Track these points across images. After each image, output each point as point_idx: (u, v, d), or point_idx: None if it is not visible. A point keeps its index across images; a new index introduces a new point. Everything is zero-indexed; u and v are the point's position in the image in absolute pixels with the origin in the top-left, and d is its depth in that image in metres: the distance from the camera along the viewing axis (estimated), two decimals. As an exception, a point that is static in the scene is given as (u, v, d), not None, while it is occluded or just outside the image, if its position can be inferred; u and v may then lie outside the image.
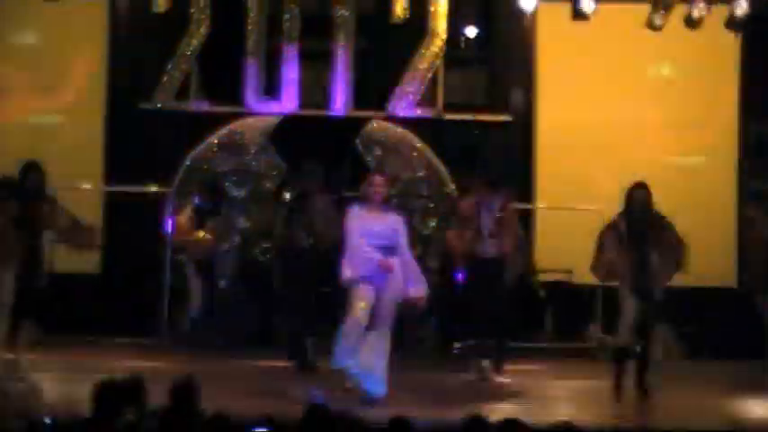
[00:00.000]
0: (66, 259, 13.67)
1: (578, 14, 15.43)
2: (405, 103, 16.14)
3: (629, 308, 12.10)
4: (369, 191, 11.39)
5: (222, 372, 12.54)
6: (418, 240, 15.73)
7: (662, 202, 15.64)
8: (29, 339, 12.05)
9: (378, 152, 16.18)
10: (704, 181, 16.19)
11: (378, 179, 11.58)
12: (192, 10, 15.83)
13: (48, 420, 7.76)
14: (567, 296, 16.09)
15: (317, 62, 16.58)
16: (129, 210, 15.81)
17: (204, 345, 14.50)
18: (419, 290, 11.28)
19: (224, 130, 16.14)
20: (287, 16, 16.07)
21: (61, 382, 11.87)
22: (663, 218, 12.69)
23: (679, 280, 15.25)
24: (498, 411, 9.35)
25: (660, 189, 15.70)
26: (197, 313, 15.21)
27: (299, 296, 13.41)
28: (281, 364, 13.46)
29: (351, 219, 11.24)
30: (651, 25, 15.51)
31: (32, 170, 12.02)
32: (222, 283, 15.33)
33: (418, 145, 16.26)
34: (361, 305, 10.94)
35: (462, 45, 17.00)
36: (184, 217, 15.26)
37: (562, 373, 14.15)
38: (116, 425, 7.34)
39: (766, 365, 14.62)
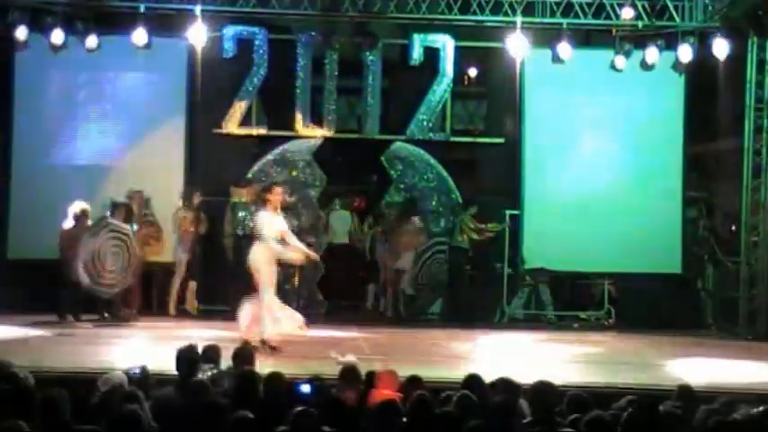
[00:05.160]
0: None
1: (557, 59, 15.41)
2: (420, 128, 16.14)
3: None
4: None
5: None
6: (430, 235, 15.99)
7: (624, 205, 15.87)
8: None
9: (399, 167, 16.33)
10: (656, 189, 16.01)
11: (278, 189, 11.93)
12: (254, 55, 15.83)
13: (137, 371, 7.82)
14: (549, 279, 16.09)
15: (351, 96, 16.68)
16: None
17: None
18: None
19: (278, 149, 16.24)
20: (327, 60, 16.09)
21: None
22: None
23: (633, 266, 15.54)
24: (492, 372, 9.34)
25: (622, 195, 15.95)
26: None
27: None
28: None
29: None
30: (614, 67, 15.42)
31: None
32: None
33: (431, 161, 16.37)
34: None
35: (465, 83, 17.06)
36: None
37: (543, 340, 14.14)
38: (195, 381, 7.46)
39: (703, 335, 14.79)
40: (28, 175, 15.60)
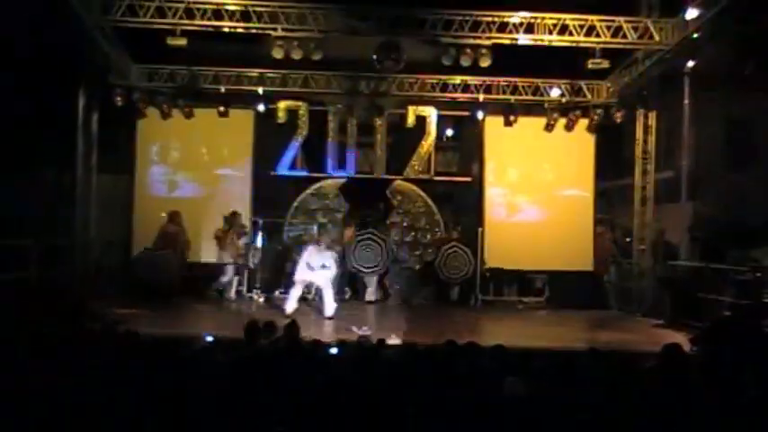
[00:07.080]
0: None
1: (507, 123, 15.56)
2: (414, 170, 16.18)
3: None
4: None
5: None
6: (419, 246, 15.97)
7: (553, 223, 15.87)
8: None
9: (398, 198, 16.38)
10: (576, 212, 16.02)
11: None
12: (299, 120, 15.92)
13: (210, 338, 7.83)
14: (503, 274, 16.10)
15: (366, 148, 16.67)
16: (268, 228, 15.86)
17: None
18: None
19: (315, 185, 16.31)
20: (349, 124, 16.16)
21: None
22: None
23: (560, 265, 15.46)
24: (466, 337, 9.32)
25: (552, 216, 15.98)
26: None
27: None
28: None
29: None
30: (547, 128, 15.62)
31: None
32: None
33: (421, 193, 16.39)
34: None
35: (444, 139, 17.11)
36: None
37: (500, 317, 14.09)
38: (258, 345, 7.55)
39: (607, 313, 14.79)
40: (144, 203, 15.76)
